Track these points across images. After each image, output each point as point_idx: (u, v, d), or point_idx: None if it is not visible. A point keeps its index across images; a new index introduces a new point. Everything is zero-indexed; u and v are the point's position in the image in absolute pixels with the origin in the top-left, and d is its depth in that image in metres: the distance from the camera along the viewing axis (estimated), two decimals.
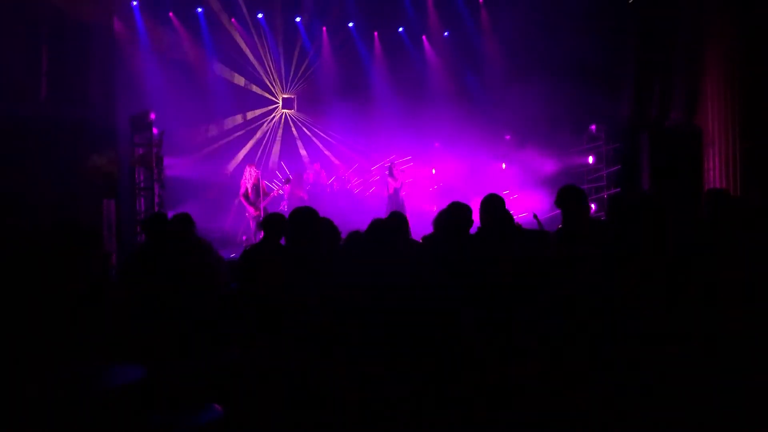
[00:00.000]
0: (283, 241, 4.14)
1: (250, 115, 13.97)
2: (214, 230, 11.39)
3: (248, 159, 12.88)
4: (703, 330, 2.76)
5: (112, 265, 8.66)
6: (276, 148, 14.18)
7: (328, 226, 3.86)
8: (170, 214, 5.06)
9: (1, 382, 2.78)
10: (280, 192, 11.58)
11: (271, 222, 4.37)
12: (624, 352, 2.79)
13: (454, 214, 3.89)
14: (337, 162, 14.24)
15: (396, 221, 4.14)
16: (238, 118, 13.80)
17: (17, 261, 3.34)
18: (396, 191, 11.68)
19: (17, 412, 2.69)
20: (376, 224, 3.53)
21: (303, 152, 14.34)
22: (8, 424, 2.65)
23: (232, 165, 13.31)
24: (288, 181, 11.49)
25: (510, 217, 4.24)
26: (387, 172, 11.89)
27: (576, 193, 4.35)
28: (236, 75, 13.64)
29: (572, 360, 2.80)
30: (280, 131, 14.28)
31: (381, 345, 2.85)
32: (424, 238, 4.53)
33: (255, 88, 13.94)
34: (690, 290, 2.94)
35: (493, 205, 4.20)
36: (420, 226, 6.70)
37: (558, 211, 4.39)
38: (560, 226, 4.40)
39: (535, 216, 5.14)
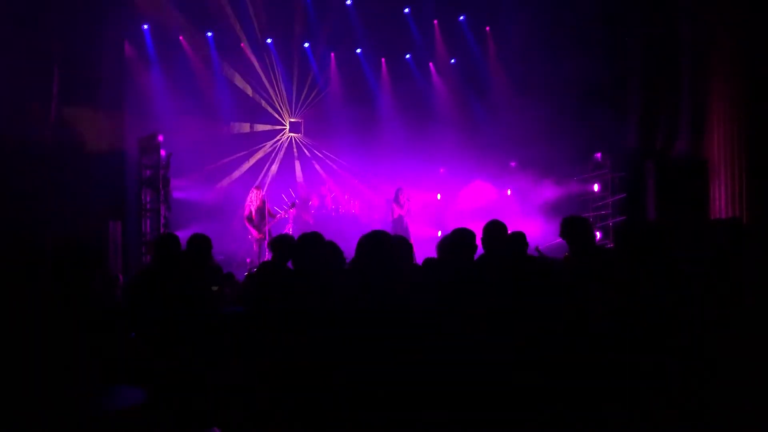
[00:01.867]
0: (290, 264, 4.14)
1: (257, 138, 14.06)
2: (218, 252, 11.40)
3: (254, 182, 12.93)
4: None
5: (119, 285, 8.66)
6: (282, 172, 14.23)
7: (332, 249, 3.86)
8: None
9: (2, 402, 2.77)
10: (285, 216, 11.59)
11: (279, 243, 4.37)
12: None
13: (457, 240, 3.88)
14: (342, 186, 14.27)
15: (399, 241, 4.11)
16: (246, 141, 13.88)
17: (21, 281, 3.34)
18: (401, 217, 11.68)
19: None
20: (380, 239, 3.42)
21: (309, 176, 14.39)
22: None
23: (238, 187, 13.36)
24: (293, 205, 11.50)
25: (515, 243, 4.20)
26: (393, 198, 11.91)
27: (579, 223, 4.33)
28: (244, 99, 13.75)
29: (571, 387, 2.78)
30: (287, 154, 14.36)
31: (382, 365, 2.83)
32: (425, 262, 4.51)
33: (263, 112, 14.05)
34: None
35: (497, 232, 4.20)
36: (424, 252, 6.69)
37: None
38: (567, 254, 4.39)
39: (537, 249, 5.10)
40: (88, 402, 2.92)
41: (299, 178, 14.34)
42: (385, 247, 3.26)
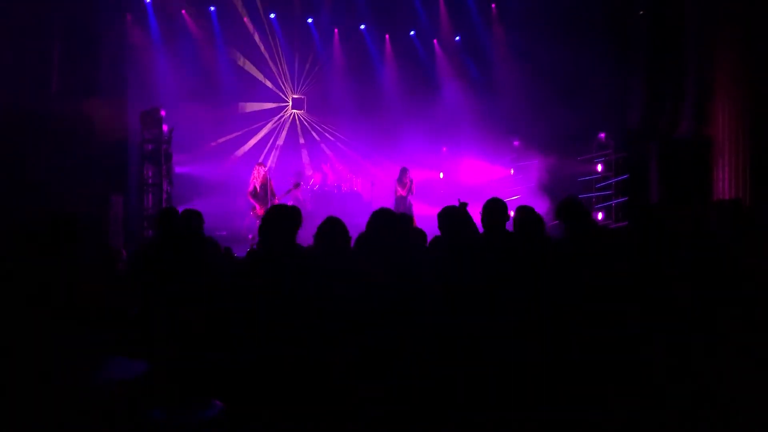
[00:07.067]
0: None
1: (259, 114, 14.00)
2: (221, 228, 11.41)
3: (257, 158, 12.90)
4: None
5: (122, 259, 8.68)
6: (285, 148, 14.20)
7: (339, 226, 3.84)
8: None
9: (0, 375, 2.79)
10: (285, 195, 11.55)
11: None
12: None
13: (454, 217, 3.86)
14: (345, 164, 14.24)
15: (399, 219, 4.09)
16: (248, 117, 13.83)
17: (15, 253, 3.35)
18: (402, 197, 11.65)
19: (18, 406, 2.69)
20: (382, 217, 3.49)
21: (311, 153, 14.36)
22: (9, 418, 2.65)
23: (241, 163, 13.33)
24: (297, 186, 11.43)
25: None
26: (397, 177, 11.86)
27: (572, 205, 4.25)
28: (247, 74, 13.68)
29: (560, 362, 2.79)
30: (290, 131, 14.31)
31: (382, 342, 2.84)
32: (432, 241, 4.49)
33: (265, 88, 13.98)
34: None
35: (497, 209, 4.17)
36: (426, 230, 6.66)
37: None
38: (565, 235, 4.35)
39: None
40: (88, 374, 2.93)
41: (301, 155, 14.29)
42: (394, 219, 3.33)
